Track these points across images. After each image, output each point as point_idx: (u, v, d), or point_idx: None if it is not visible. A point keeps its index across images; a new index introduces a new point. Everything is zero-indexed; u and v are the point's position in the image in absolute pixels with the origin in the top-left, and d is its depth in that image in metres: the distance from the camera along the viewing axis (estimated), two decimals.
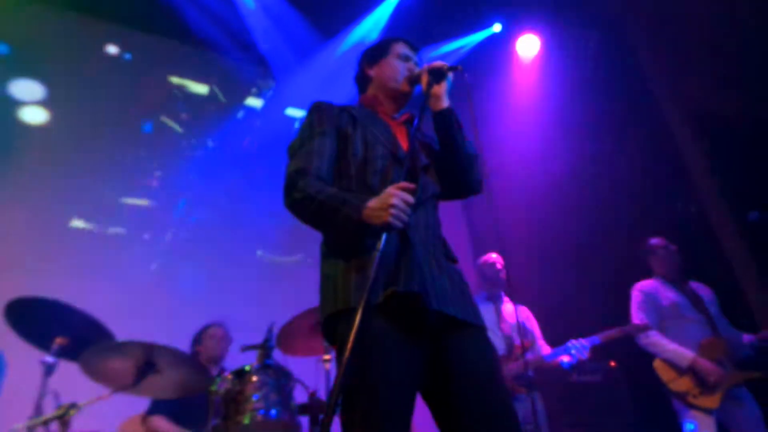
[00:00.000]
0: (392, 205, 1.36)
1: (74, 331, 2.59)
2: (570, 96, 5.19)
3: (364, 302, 1.21)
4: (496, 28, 5.54)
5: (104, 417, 2.99)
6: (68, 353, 2.56)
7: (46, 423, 2.37)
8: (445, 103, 1.74)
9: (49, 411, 2.43)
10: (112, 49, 5.01)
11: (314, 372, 3.04)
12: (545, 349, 3.52)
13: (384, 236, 1.34)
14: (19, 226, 3.99)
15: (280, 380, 2.52)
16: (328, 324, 1.46)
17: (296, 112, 5.52)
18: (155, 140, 4.96)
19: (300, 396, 2.79)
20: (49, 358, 2.54)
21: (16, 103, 4.45)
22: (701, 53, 4.65)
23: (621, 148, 4.93)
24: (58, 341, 2.57)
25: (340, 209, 1.45)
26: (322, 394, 2.78)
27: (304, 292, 3.04)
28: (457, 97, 1.90)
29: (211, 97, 5.30)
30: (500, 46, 5.58)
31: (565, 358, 3.32)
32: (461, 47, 5.46)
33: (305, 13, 5.01)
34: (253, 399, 2.39)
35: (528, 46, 5.52)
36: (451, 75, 1.78)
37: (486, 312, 3.59)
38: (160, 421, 3.08)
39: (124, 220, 4.45)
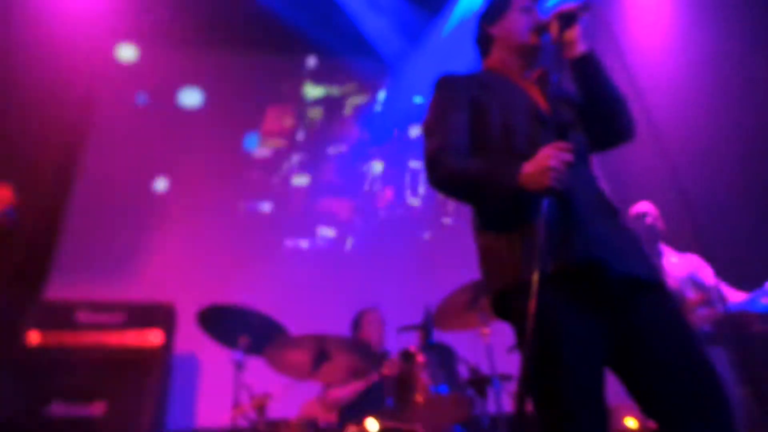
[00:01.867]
0: (551, 168, 1.30)
1: (254, 329, 2.89)
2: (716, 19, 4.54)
3: (538, 274, 1.18)
4: None
5: (287, 404, 3.32)
6: (252, 350, 2.87)
7: (245, 413, 2.67)
8: (582, 47, 1.59)
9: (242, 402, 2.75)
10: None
11: (470, 345, 3.08)
12: (734, 295, 3.16)
13: (546, 201, 1.29)
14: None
15: (444, 357, 2.58)
16: (499, 299, 1.44)
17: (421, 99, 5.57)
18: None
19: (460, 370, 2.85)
20: (238, 355, 2.84)
21: None
22: None
23: None
24: (242, 340, 2.87)
25: (493, 179, 1.41)
26: (484, 368, 2.80)
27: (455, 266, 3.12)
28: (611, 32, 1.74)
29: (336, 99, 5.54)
30: None
31: (763, 301, 2.96)
32: None
33: None
34: (422, 378, 2.48)
35: None
36: (583, 15, 1.62)
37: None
38: (335, 391, 3.29)
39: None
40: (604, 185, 1.53)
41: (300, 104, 5.47)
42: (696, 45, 4.62)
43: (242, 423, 2.73)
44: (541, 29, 1.71)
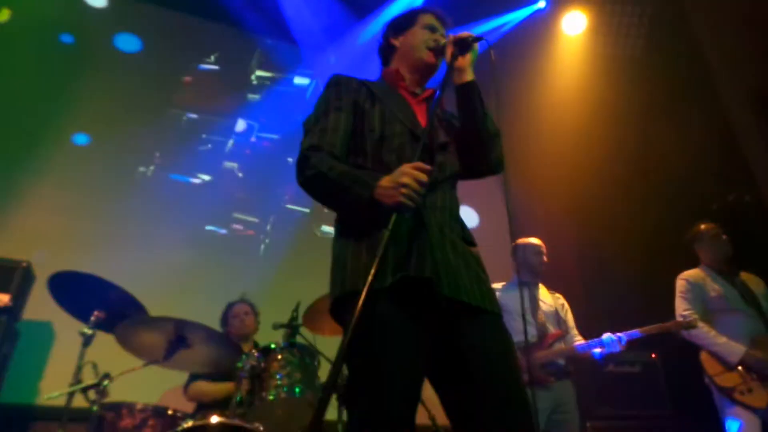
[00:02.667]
0: (404, 185, 1.31)
1: (111, 304, 2.71)
2: (618, 75, 4.94)
3: (369, 286, 1.18)
4: (541, 4, 5.32)
5: (143, 388, 3.13)
6: (105, 326, 2.68)
7: (84, 391, 2.48)
8: (468, 76, 1.64)
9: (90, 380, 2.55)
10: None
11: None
12: (577, 339, 3.41)
13: (395, 217, 1.29)
14: (65, 203, 4.17)
15: (305, 359, 2.54)
16: (336, 307, 1.45)
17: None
18: (190, 121, 5.06)
19: (327, 374, 2.82)
20: (87, 330, 2.64)
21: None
22: (765, 27, 4.31)
23: (672, 131, 4.66)
24: (96, 314, 2.68)
25: (351, 187, 1.41)
26: None
27: None
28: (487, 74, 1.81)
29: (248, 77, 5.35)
30: (544, 23, 5.35)
31: (597, 350, 3.21)
32: (502, 25, 5.28)
33: None
34: (278, 377, 2.42)
35: (574, 23, 5.28)
36: (476, 46, 1.68)
37: (523, 298, 3.51)
38: (201, 384, 3.16)
39: (164, 197, 4.57)
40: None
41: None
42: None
43: (81, 403, 2.54)
44: (438, 50, 1.74)
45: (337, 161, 1.51)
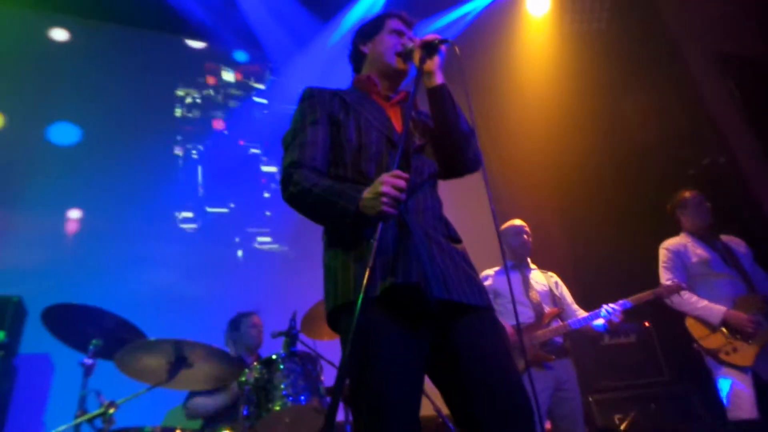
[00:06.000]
0: (383, 194, 1.34)
1: (108, 332, 2.70)
2: (586, 51, 5.00)
3: (362, 296, 1.21)
4: None
5: (149, 412, 3.14)
6: (104, 353, 2.67)
7: (90, 421, 2.48)
8: (438, 79, 1.68)
9: (95, 409, 2.55)
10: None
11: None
12: (579, 313, 3.47)
13: (380, 225, 1.33)
14: (49, 235, 4.13)
15: (307, 366, 2.57)
16: (332, 317, 1.48)
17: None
18: (167, 133, 5.02)
19: (330, 377, 2.85)
20: (88, 360, 2.64)
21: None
22: None
23: (643, 100, 4.74)
24: (94, 343, 2.67)
25: (336, 202, 1.44)
26: None
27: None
28: (462, 70, 1.83)
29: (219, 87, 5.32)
30: (508, 7, 5.38)
31: (599, 321, 3.27)
32: (466, 14, 5.29)
33: None
34: (282, 386, 2.45)
35: (538, 3, 5.31)
36: (443, 48, 1.71)
37: (513, 281, 3.57)
38: (198, 399, 3.17)
39: (141, 215, 4.53)
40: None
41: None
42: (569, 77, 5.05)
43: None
44: (406, 55, 1.77)
45: (319, 175, 1.53)
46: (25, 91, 4.52)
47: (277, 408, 2.41)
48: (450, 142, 1.67)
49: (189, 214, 4.70)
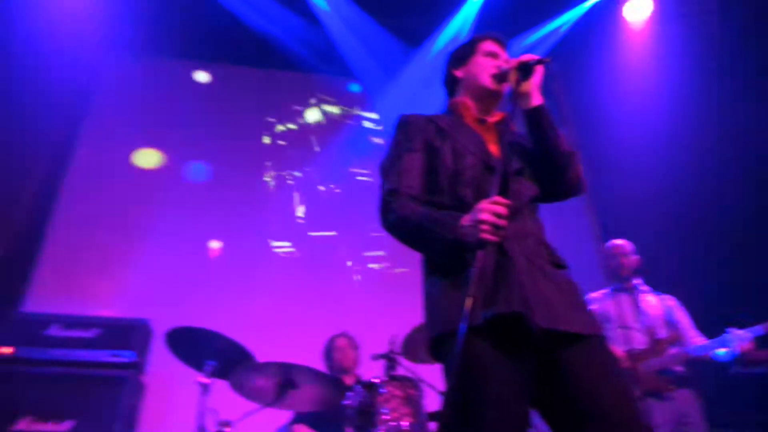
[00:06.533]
0: (482, 221, 1.34)
1: (221, 354, 2.89)
2: (695, 56, 4.64)
3: (464, 325, 1.20)
4: None
5: (259, 429, 3.30)
6: (219, 374, 2.86)
7: None
8: (535, 100, 1.64)
9: (212, 428, 2.73)
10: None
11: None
12: (698, 339, 3.18)
13: (479, 253, 1.31)
14: (172, 261, 4.53)
15: (407, 390, 2.58)
16: (433, 346, 1.47)
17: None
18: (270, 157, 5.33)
19: (431, 401, 2.84)
20: (204, 379, 2.84)
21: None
22: None
23: (765, 111, 4.30)
24: (209, 363, 2.87)
25: (434, 230, 1.44)
26: None
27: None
28: (558, 87, 1.79)
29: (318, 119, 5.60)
30: (604, 16, 5.15)
31: (721, 350, 2.98)
32: (560, 26, 5.14)
33: (388, 24, 5.07)
34: (384, 411, 2.47)
35: (637, 9, 5.03)
36: (540, 69, 1.67)
37: (622, 304, 3.36)
38: (301, 429, 3.27)
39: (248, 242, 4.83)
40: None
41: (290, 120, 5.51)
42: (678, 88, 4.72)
43: None
44: (501, 77, 1.75)
45: (417, 203, 1.55)
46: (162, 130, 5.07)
47: None
48: (550, 164, 1.62)
49: (288, 247, 4.93)
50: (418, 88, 4.93)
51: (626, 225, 4.54)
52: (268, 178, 5.25)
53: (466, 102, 1.80)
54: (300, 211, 5.14)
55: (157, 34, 5.12)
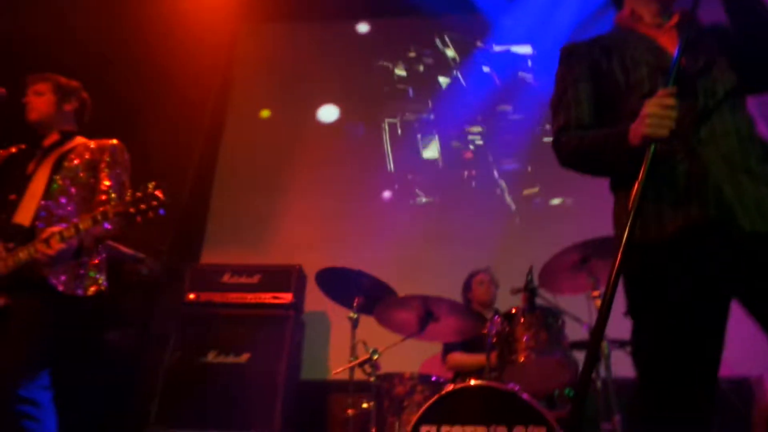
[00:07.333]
0: (647, 115, 1.24)
1: (366, 290, 3.11)
2: None
3: (632, 240, 1.16)
4: None
5: (406, 359, 3.53)
6: (365, 309, 3.08)
7: (360, 365, 2.91)
8: None
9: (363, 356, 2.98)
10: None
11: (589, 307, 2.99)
12: None
13: (650, 154, 1.22)
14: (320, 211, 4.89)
15: (548, 319, 2.56)
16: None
17: (522, 49, 5.33)
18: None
19: (573, 332, 2.79)
20: (353, 314, 3.08)
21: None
22: None
23: None
24: (357, 300, 3.10)
25: (605, 146, 1.40)
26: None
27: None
28: None
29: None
30: None
31: None
32: None
33: None
34: (524, 339, 2.49)
35: None
36: None
37: None
38: (457, 355, 3.41)
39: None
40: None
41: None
42: None
43: (360, 375, 2.98)
44: None
45: (584, 131, 1.51)
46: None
47: (522, 359, 2.46)
48: (760, 42, 1.40)
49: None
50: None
51: None
52: (403, 121, 5.33)
53: (636, 10, 1.64)
54: (436, 152, 5.17)
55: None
